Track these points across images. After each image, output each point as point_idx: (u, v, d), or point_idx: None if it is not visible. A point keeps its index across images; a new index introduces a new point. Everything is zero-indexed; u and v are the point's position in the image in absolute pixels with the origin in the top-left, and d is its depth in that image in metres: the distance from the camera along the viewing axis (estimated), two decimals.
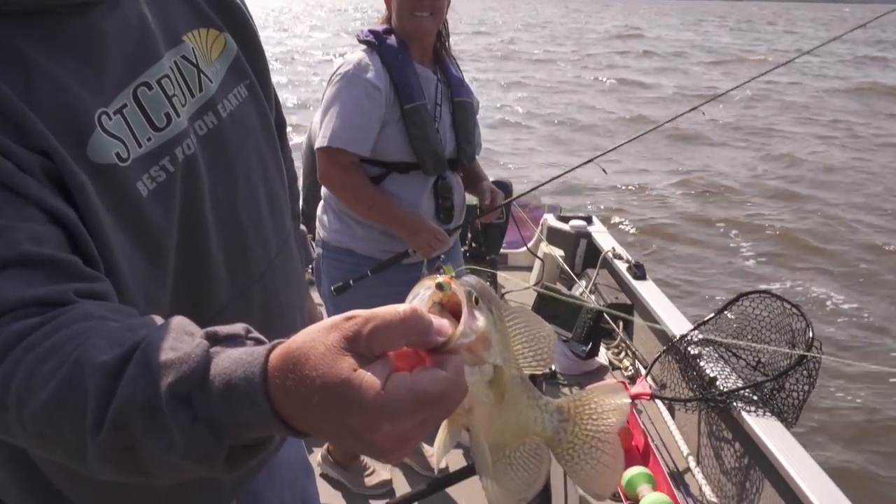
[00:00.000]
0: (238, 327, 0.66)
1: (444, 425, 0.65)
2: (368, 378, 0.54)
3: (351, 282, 2.25)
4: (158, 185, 0.90)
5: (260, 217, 1.10)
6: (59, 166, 0.78)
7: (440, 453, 0.66)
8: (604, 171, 2.68)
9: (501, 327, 0.65)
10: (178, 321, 0.67)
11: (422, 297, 0.61)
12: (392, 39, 2.28)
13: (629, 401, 0.75)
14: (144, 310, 0.78)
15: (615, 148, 2.84)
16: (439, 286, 0.60)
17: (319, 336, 0.57)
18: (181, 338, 0.64)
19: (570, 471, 0.76)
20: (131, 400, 0.61)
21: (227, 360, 0.61)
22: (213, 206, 0.99)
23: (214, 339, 0.64)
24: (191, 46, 1.01)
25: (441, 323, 0.58)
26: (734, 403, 2.13)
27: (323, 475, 2.80)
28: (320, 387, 0.55)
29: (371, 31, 2.31)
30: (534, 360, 0.70)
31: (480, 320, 0.61)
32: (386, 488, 2.75)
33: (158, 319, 0.69)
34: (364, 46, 2.30)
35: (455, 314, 0.60)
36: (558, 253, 3.71)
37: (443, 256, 2.39)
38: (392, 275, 2.32)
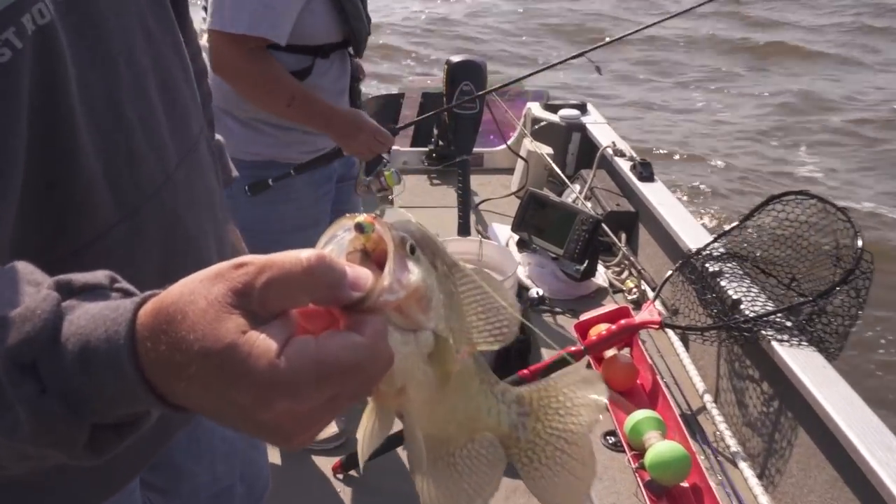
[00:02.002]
0: (99, 275, 0.63)
1: (368, 409, 0.63)
2: (260, 342, 0.52)
3: (270, 181, 2.25)
4: (2, 68, 0.81)
5: (151, 114, 1.04)
6: None
7: (365, 446, 0.63)
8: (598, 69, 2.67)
9: (448, 287, 0.62)
10: (19, 267, 0.63)
11: (339, 240, 0.58)
12: None
13: (606, 398, 0.73)
14: None
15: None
16: (359, 227, 0.57)
17: (201, 288, 0.54)
18: (22, 289, 0.60)
19: (528, 478, 0.74)
20: None
21: (84, 318, 0.58)
22: (82, 100, 0.92)
23: (68, 291, 0.61)
24: None
25: (358, 273, 0.55)
26: (763, 331, 2.17)
27: None
28: (198, 353, 0.52)
29: None
30: (490, 334, 0.67)
31: (415, 273, 0.58)
32: (340, 441, 2.79)
33: None
34: None
35: (381, 265, 0.57)
36: (546, 151, 3.68)
37: (386, 157, 2.44)
38: (320, 175, 2.38)
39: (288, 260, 0.53)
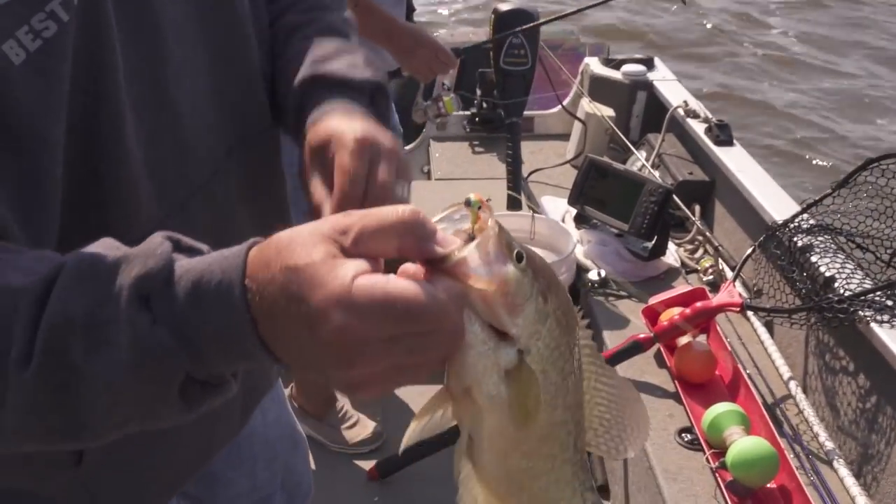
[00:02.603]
0: (200, 244, 0.74)
1: (430, 400, 0.70)
2: (342, 264, 0.63)
3: None
4: (44, 43, 0.81)
5: (201, 95, 1.03)
6: None
7: (413, 430, 0.70)
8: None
9: (556, 319, 0.68)
10: (108, 240, 0.74)
11: (450, 218, 0.67)
12: None
13: None
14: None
15: None
16: (467, 201, 0.66)
17: (308, 226, 0.68)
18: (121, 247, 0.72)
19: None
20: (70, 312, 0.68)
21: (197, 262, 0.70)
22: (126, 77, 0.91)
23: (177, 245, 0.72)
24: None
25: (447, 237, 0.65)
26: (860, 312, 2.10)
27: None
28: (287, 267, 0.65)
29: None
30: (605, 443, 0.74)
31: (511, 271, 0.64)
32: (376, 444, 2.78)
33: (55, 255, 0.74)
34: None
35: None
36: (607, 112, 3.61)
37: (447, 83, 2.45)
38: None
39: (386, 210, 0.65)
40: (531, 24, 2.84)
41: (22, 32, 0.80)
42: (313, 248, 0.65)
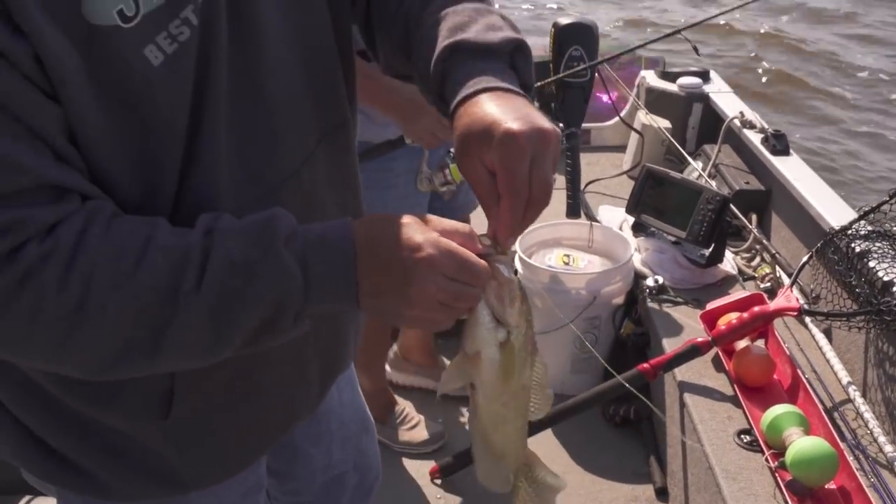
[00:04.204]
0: None
1: (455, 360, 1.05)
2: (435, 219, 0.99)
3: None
4: (179, 46, 0.91)
5: (293, 89, 1.11)
6: (36, 45, 0.83)
7: (447, 380, 1.06)
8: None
9: (526, 324, 1.05)
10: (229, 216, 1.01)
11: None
12: None
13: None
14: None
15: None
16: (493, 240, 1.02)
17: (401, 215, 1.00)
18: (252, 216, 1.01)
19: None
20: (232, 255, 0.94)
21: (313, 225, 1.01)
22: (229, 73, 1.01)
23: None
24: None
25: (483, 246, 1.01)
26: None
27: None
28: (393, 219, 0.99)
29: None
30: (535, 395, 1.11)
31: (514, 280, 1.02)
32: (437, 444, 2.83)
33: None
34: None
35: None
36: (663, 124, 3.64)
37: (452, 151, 2.40)
38: (387, 163, 2.40)
39: (455, 223, 1.00)
40: (603, 59, 2.89)
41: (161, 37, 0.90)
42: (410, 220, 0.99)
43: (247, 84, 1.03)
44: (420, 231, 0.96)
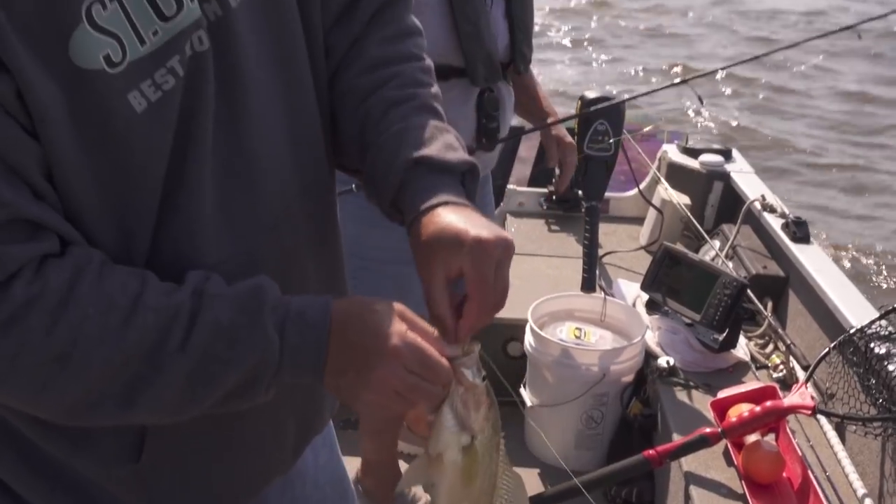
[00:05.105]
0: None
1: (415, 463, 1.08)
2: (410, 315, 1.03)
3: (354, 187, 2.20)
4: (163, 95, 0.93)
5: (275, 141, 1.12)
6: (19, 82, 0.85)
7: (408, 476, 1.12)
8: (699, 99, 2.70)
9: (492, 430, 1.07)
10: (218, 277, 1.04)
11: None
12: None
13: None
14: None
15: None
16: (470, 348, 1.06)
17: (380, 300, 1.05)
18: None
19: None
20: (219, 318, 0.98)
21: (293, 297, 1.04)
22: (215, 127, 1.02)
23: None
24: None
25: (450, 349, 1.05)
26: None
27: None
28: (370, 304, 1.04)
29: None
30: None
31: (480, 385, 1.04)
32: None
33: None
34: None
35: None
36: (683, 200, 3.61)
37: None
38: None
39: (427, 325, 1.04)
40: (609, 103, 2.86)
41: (146, 85, 0.93)
42: (387, 309, 1.02)
43: (231, 138, 1.05)
44: (391, 321, 1.00)
